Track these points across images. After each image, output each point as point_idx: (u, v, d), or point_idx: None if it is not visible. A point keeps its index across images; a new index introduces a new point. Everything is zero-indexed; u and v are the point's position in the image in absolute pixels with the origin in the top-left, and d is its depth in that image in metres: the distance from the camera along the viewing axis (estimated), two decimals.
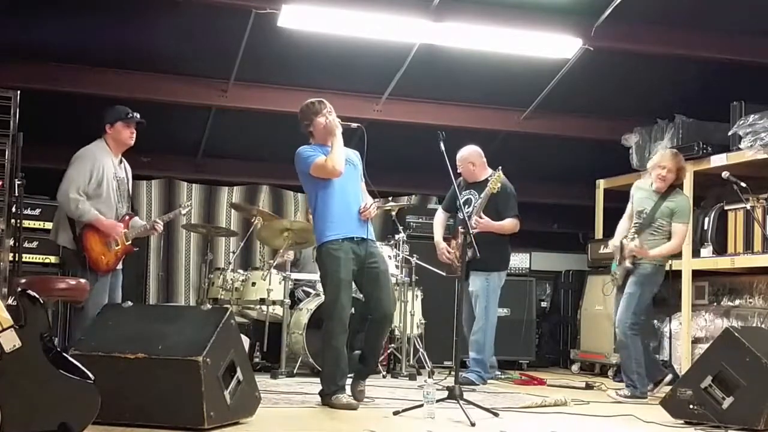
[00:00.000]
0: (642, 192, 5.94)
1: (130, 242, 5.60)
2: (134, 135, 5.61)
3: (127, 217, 5.63)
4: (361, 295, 5.27)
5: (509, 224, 6.45)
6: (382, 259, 5.16)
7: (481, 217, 6.31)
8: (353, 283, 5.06)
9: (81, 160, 5.43)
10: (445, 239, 6.65)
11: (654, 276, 5.79)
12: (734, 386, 4.36)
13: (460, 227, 6.61)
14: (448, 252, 6.48)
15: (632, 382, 5.74)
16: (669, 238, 5.78)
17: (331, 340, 4.94)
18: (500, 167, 6.34)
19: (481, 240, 6.27)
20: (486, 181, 6.39)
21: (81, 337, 4.19)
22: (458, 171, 6.59)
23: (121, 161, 5.66)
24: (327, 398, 4.88)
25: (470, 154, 6.63)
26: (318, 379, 5.14)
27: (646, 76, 7.67)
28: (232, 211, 8.75)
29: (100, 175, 5.42)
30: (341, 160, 4.95)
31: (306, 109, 5.12)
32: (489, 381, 6.53)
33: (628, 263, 5.75)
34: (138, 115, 5.62)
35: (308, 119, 5.09)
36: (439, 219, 6.79)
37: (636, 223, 5.84)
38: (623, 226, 6.00)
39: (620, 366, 5.98)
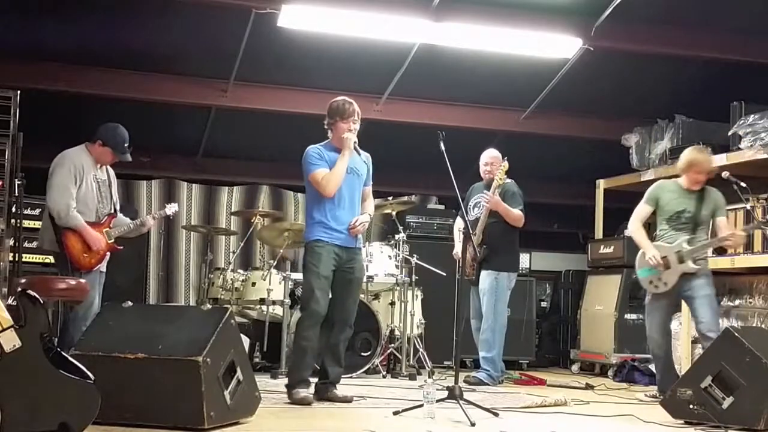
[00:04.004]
0: (671, 193, 5.70)
1: (113, 241, 5.63)
2: (114, 163, 5.78)
3: (108, 217, 5.67)
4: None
5: (515, 212, 6.44)
6: (360, 268, 5.27)
7: (493, 195, 6.32)
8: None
9: (62, 166, 5.49)
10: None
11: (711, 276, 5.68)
12: (734, 386, 4.36)
13: (461, 228, 6.64)
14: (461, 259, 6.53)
15: None
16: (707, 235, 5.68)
17: (303, 331, 5.02)
18: (505, 158, 6.38)
19: (491, 241, 6.37)
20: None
21: (81, 337, 4.19)
22: (484, 172, 6.62)
23: (101, 165, 5.72)
24: (288, 390, 4.96)
25: (492, 157, 6.65)
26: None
27: (646, 76, 7.67)
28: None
29: (81, 177, 5.51)
30: (336, 183, 5.04)
31: (336, 107, 5.14)
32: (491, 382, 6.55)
33: (692, 264, 5.48)
34: (129, 157, 5.76)
35: (333, 118, 5.14)
36: (459, 224, 6.82)
37: (678, 224, 5.62)
38: (642, 230, 5.78)
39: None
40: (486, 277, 6.52)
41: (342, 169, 5.06)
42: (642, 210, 5.83)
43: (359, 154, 5.19)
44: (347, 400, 5.06)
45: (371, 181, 5.35)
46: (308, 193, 5.24)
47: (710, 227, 5.71)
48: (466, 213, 6.23)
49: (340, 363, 5.20)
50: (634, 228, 5.82)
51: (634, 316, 7.66)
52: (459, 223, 6.84)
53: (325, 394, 5.08)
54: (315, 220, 5.10)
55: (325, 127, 5.18)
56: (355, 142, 5.10)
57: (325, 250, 5.03)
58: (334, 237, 5.06)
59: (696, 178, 5.61)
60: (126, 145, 5.71)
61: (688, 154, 5.68)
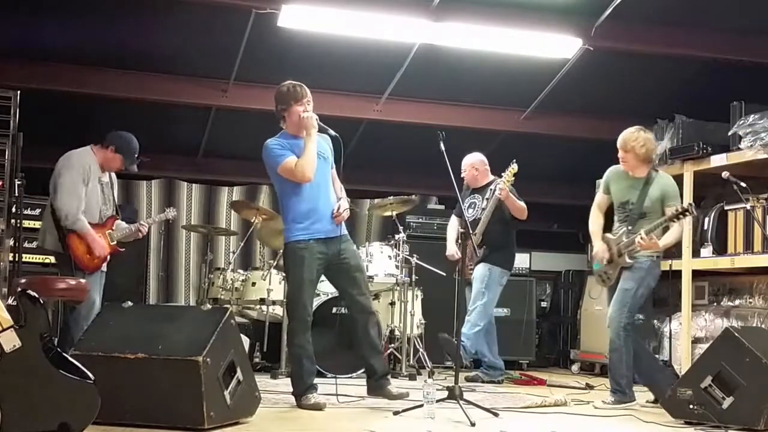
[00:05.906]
0: (621, 182, 5.47)
1: (115, 243, 5.65)
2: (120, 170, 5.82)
3: (110, 219, 5.69)
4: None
5: (521, 203, 6.54)
6: (353, 254, 5.01)
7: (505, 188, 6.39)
8: (329, 280, 5.06)
9: (71, 167, 5.49)
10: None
11: (653, 270, 5.34)
12: (734, 386, 4.36)
13: (460, 228, 6.65)
14: (459, 256, 6.53)
15: (620, 387, 5.25)
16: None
17: (294, 338, 4.87)
18: (514, 160, 6.43)
19: (489, 240, 6.40)
20: (488, 185, 6.61)
21: (81, 337, 4.19)
22: (462, 176, 6.75)
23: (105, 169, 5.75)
24: (297, 399, 4.82)
25: (474, 161, 6.83)
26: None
27: (646, 76, 7.66)
28: (232, 211, 8.76)
29: (88, 179, 5.53)
30: (312, 166, 4.74)
31: (285, 92, 4.83)
32: (491, 381, 6.57)
33: (627, 259, 5.25)
34: (136, 168, 5.79)
35: (285, 104, 4.82)
36: (453, 224, 6.89)
37: (623, 215, 5.43)
38: (597, 221, 5.60)
39: (608, 369, 5.48)
40: (480, 268, 6.59)
41: (313, 150, 4.73)
42: (598, 198, 5.64)
43: (326, 132, 4.88)
44: (401, 396, 4.90)
45: (335, 163, 5.02)
46: (280, 190, 4.91)
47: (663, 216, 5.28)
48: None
49: (379, 351, 5.09)
50: (590, 218, 5.62)
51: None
52: (453, 222, 6.87)
53: (380, 391, 4.94)
54: (293, 216, 4.81)
55: (277, 116, 4.89)
56: (316, 119, 4.80)
57: (307, 252, 4.79)
58: (315, 231, 4.81)
59: (622, 158, 5.38)
60: (136, 156, 5.74)
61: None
